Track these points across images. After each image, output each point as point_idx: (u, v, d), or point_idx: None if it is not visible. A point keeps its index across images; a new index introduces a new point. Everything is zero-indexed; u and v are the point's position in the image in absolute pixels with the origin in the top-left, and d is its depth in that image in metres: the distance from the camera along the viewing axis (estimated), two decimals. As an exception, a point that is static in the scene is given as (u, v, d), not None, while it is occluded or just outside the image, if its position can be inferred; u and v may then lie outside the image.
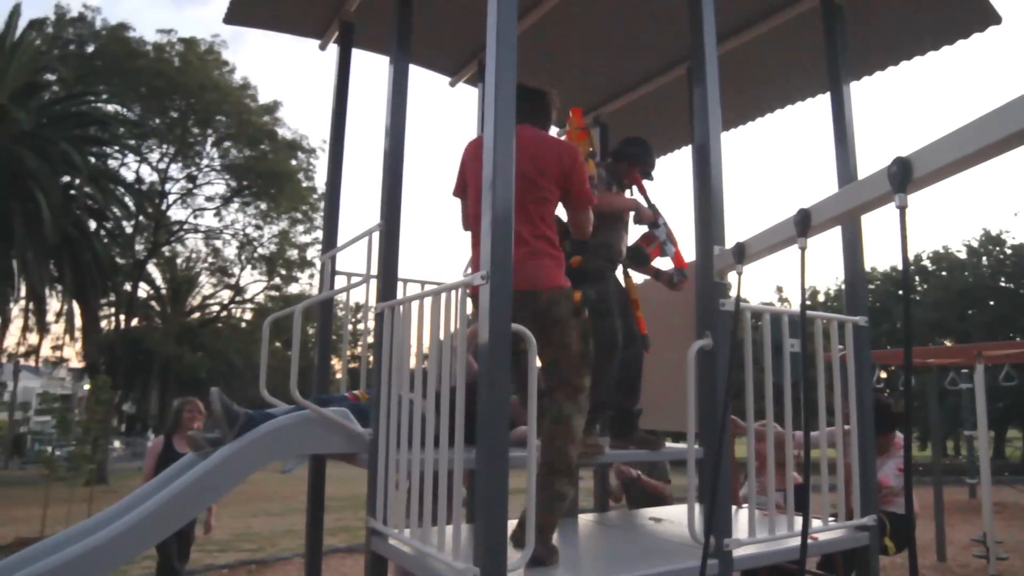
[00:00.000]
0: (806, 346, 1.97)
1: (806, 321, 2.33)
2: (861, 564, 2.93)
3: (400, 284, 3.50)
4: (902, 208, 1.58)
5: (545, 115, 2.89)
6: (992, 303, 26.15)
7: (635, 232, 3.72)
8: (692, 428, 2.58)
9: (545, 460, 2.46)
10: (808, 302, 1.97)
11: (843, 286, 3.73)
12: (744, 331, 2.66)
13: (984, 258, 27.39)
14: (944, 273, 27.86)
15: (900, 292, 27.15)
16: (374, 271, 3.38)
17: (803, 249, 1.99)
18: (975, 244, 27.76)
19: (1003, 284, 26.59)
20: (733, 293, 2.48)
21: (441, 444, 2.34)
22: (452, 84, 4.89)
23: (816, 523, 2.88)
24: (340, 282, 3.85)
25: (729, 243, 2.53)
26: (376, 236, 3.14)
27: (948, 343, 22.77)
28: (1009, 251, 26.95)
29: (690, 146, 4.64)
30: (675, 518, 3.42)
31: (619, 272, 3.67)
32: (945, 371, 10.00)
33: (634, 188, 3.73)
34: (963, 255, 28.02)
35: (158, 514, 2.74)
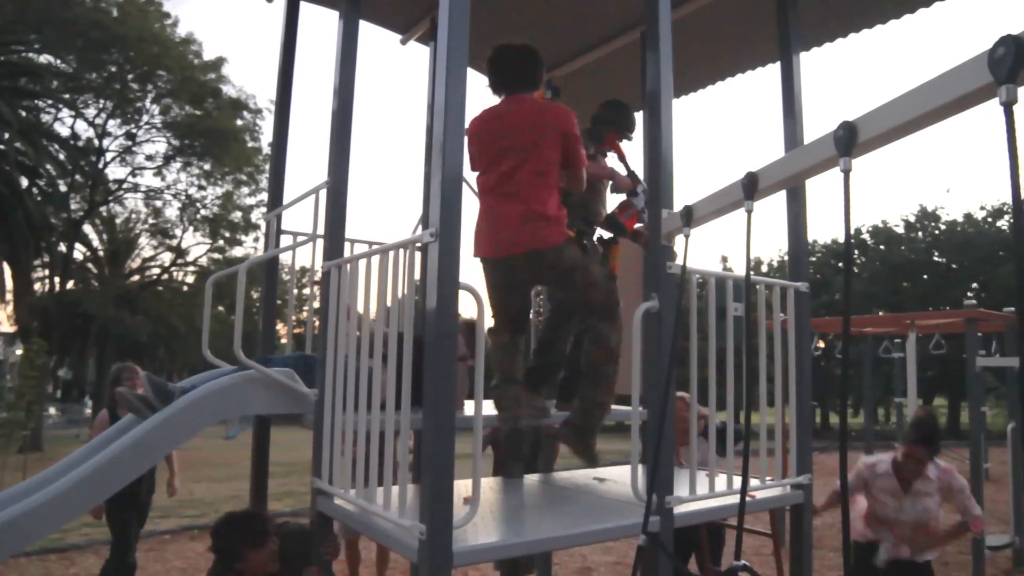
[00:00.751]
0: (750, 305, 2.00)
1: (751, 281, 2.38)
2: (796, 521, 3.04)
3: (347, 244, 3.44)
4: (847, 172, 1.61)
5: (539, 77, 3.03)
6: (926, 276, 27.18)
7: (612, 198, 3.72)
8: (637, 390, 2.62)
9: (589, 377, 2.96)
10: (751, 271, 2.01)
11: (786, 257, 3.80)
12: (689, 294, 2.69)
13: (920, 233, 28.40)
14: (882, 247, 28.82)
15: (840, 264, 28.00)
16: (321, 232, 3.32)
17: (750, 212, 2.02)
18: (912, 219, 28.74)
19: (936, 258, 27.64)
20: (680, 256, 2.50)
21: (387, 404, 2.33)
22: (403, 42, 4.78)
23: (754, 482, 2.96)
24: (286, 241, 3.77)
25: (677, 207, 2.55)
26: (323, 194, 3.07)
27: (882, 314, 23.64)
28: (944, 226, 27.99)
29: (641, 111, 4.67)
30: (618, 478, 3.48)
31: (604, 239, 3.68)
32: (879, 340, 10.39)
33: (611, 154, 3.73)
34: (900, 230, 29.00)
35: (97, 476, 2.67)
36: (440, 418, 2.03)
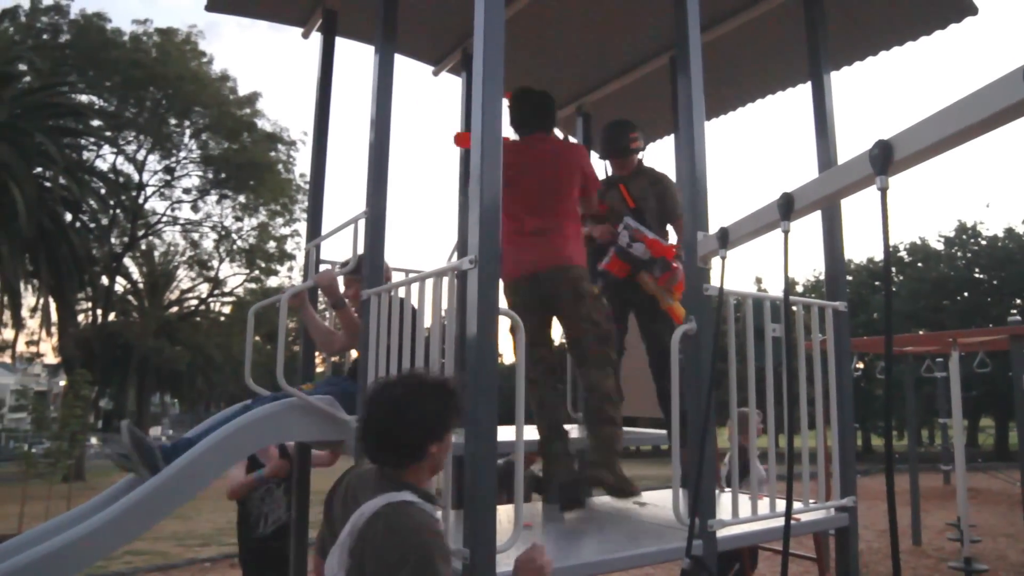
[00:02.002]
0: (789, 326, 2.00)
1: (789, 301, 2.38)
2: (842, 545, 2.99)
3: (385, 273, 3.50)
4: (883, 190, 1.61)
5: (554, 118, 3.53)
6: (966, 294, 26.55)
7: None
8: (676, 413, 2.61)
9: (593, 419, 3.08)
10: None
11: (821, 277, 3.75)
12: (727, 316, 2.69)
13: (959, 249, 27.80)
14: (920, 264, 28.25)
15: (877, 283, 27.51)
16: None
17: (786, 232, 2.02)
18: (951, 236, 28.16)
19: (977, 275, 27.00)
20: (717, 278, 2.51)
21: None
22: (435, 73, 4.88)
23: (797, 505, 2.92)
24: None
25: (713, 230, 2.56)
26: (362, 224, 3.14)
27: (923, 333, 23.10)
28: (984, 242, 27.37)
29: (673, 135, 4.69)
30: (659, 502, 3.46)
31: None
32: (921, 360, 10.16)
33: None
34: (940, 246, 28.42)
35: (141, 505, 2.72)
36: (482, 442, 2.05)
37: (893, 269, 28.77)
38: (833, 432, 3.01)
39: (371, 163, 3.06)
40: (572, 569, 2.25)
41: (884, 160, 1.63)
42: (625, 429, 3.59)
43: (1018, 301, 25.78)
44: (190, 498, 2.91)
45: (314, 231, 3.94)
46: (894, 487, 1.49)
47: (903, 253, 29.03)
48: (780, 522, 2.77)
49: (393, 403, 1.84)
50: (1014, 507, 11.77)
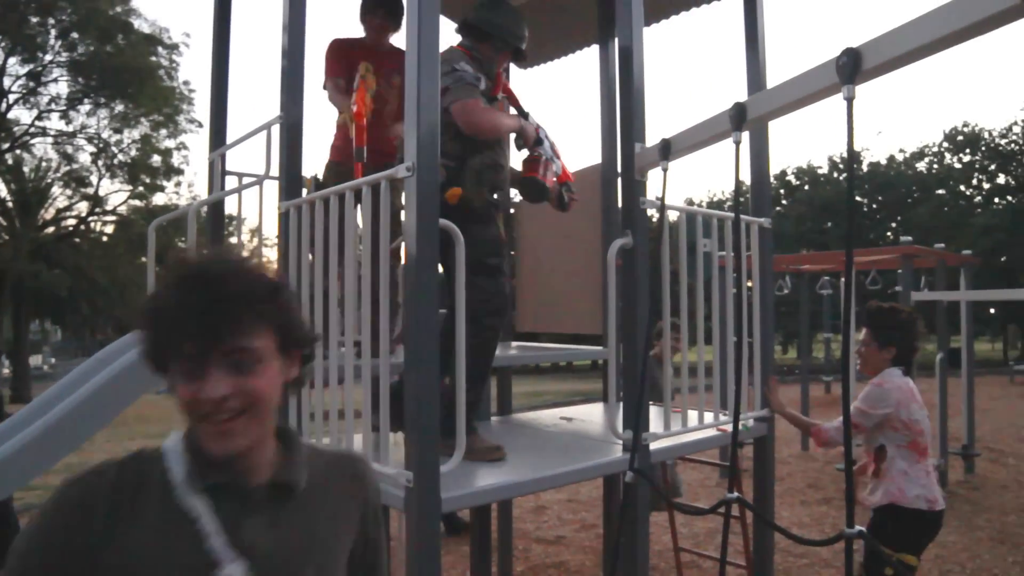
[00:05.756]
0: (739, 240, 1.97)
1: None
2: (759, 453, 3.11)
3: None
4: (850, 100, 1.56)
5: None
6: (848, 217, 28.28)
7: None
8: (612, 328, 2.59)
9: None
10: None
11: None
12: (663, 230, 2.65)
13: (844, 175, 29.37)
14: (807, 188, 29.69)
15: (778, 208, 28.71)
16: (272, 173, 3.11)
17: (738, 144, 1.97)
18: (837, 161, 29.63)
19: (859, 199, 28.66)
20: (656, 191, 2.45)
21: (364, 348, 2.23)
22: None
23: (722, 417, 3.00)
24: (231, 184, 3.55)
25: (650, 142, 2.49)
26: (276, 131, 2.87)
27: (806, 252, 24.44)
28: (867, 168, 28.99)
29: (595, 46, 4.53)
30: (585, 417, 3.50)
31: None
32: (815, 278, 10.71)
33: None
34: (826, 170, 29.86)
35: (42, 442, 2.51)
36: (424, 362, 1.95)
37: (781, 191, 30.10)
38: (755, 345, 3.09)
39: (285, 62, 2.77)
40: (518, 486, 2.24)
41: (852, 69, 1.57)
42: (561, 346, 3.59)
43: (893, 225, 27.64)
44: (96, 430, 2.71)
45: (218, 139, 3.62)
46: (850, 405, 1.50)
47: (791, 177, 30.39)
48: (705, 434, 2.86)
49: None
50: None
